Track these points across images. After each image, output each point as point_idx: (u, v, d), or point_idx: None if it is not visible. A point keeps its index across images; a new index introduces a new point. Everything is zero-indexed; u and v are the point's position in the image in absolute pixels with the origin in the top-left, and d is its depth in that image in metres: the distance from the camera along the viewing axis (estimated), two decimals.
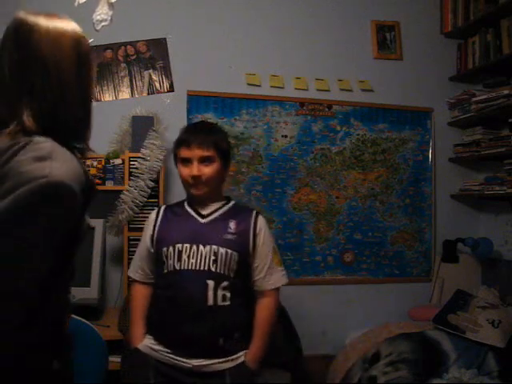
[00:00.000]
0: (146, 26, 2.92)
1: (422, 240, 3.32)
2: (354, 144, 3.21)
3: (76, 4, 1.97)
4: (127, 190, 2.55)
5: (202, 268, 1.64)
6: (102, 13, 2.04)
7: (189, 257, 1.65)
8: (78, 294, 2.37)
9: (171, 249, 1.67)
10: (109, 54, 2.89)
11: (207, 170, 1.68)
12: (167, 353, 1.66)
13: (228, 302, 1.64)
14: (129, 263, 2.56)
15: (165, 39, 2.95)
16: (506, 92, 2.88)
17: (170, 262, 1.67)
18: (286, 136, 3.10)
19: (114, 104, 2.88)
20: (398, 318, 2.99)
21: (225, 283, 1.65)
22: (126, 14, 2.71)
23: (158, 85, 2.94)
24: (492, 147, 3.04)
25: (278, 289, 1.79)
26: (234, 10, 3.07)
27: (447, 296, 2.93)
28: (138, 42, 2.93)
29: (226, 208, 1.78)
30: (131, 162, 2.60)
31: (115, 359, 2.18)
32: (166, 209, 1.82)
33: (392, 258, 3.26)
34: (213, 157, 1.69)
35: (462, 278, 3.18)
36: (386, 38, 3.29)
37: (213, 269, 1.64)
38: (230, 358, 1.66)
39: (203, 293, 1.62)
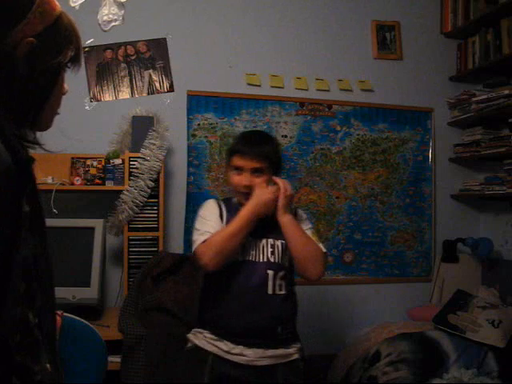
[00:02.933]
0: (146, 26, 2.92)
1: (422, 240, 3.32)
2: (354, 144, 3.21)
3: (77, 7, 1.96)
4: (127, 190, 2.55)
5: (262, 259, 1.75)
6: (110, 13, 2.03)
7: (249, 249, 1.75)
8: (78, 294, 2.38)
9: None
10: (109, 53, 2.89)
11: (257, 181, 1.77)
12: (225, 345, 1.71)
13: (284, 291, 1.76)
14: (129, 263, 2.58)
15: (165, 39, 2.95)
16: (506, 92, 2.88)
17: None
18: (285, 136, 3.10)
19: (114, 104, 2.88)
20: (398, 318, 2.99)
21: (281, 273, 1.76)
22: (126, 13, 2.71)
23: (158, 85, 2.95)
24: (492, 147, 3.04)
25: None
26: (234, 10, 3.07)
27: (447, 296, 2.93)
28: (138, 42, 2.93)
29: None
30: (131, 162, 2.60)
31: (115, 359, 2.18)
32: (223, 203, 1.88)
33: (392, 258, 3.26)
34: (264, 168, 1.78)
35: (462, 278, 3.18)
36: (386, 38, 3.29)
37: (271, 259, 1.76)
38: (283, 351, 1.74)
39: (264, 282, 1.73)
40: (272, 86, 3.09)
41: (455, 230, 3.31)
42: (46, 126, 0.89)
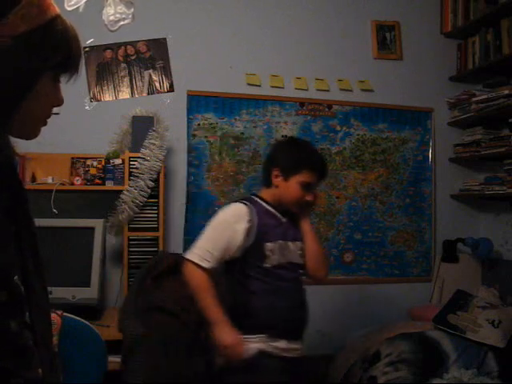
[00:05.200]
0: (146, 26, 2.91)
1: (421, 240, 3.32)
2: (354, 144, 3.21)
3: (81, 8, 1.95)
4: (127, 190, 2.55)
5: (297, 261, 1.89)
6: (117, 12, 2.01)
7: (290, 252, 1.86)
8: (78, 293, 2.38)
9: (274, 244, 1.82)
10: (109, 53, 2.89)
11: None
12: (282, 344, 1.79)
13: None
14: (129, 263, 2.58)
15: (165, 39, 2.95)
16: (506, 92, 2.88)
17: (275, 256, 1.82)
18: (286, 136, 3.10)
19: (114, 104, 2.88)
20: (398, 318, 2.99)
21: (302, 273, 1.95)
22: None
23: (158, 85, 2.95)
24: (492, 147, 3.04)
25: None
26: (234, 9, 3.07)
27: (447, 296, 2.93)
28: (138, 42, 2.93)
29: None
30: (131, 162, 2.60)
31: (115, 359, 2.17)
32: (253, 207, 1.86)
33: (392, 257, 3.26)
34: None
35: (462, 277, 3.18)
36: (386, 38, 3.29)
37: (301, 261, 1.91)
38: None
39: (300, 280, 1.92)
40: (272, 86, 3.09)
41: (455, 230, 3.31)
42: (28, 134, 0.85)
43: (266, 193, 1.91)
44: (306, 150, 1.92)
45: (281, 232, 1.86)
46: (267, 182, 1.90)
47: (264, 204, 1.88)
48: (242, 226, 1.79)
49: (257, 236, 1.79)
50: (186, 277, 1.79)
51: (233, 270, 1.83)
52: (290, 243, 1.86)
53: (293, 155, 1.88)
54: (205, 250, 1.78)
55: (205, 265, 1.76)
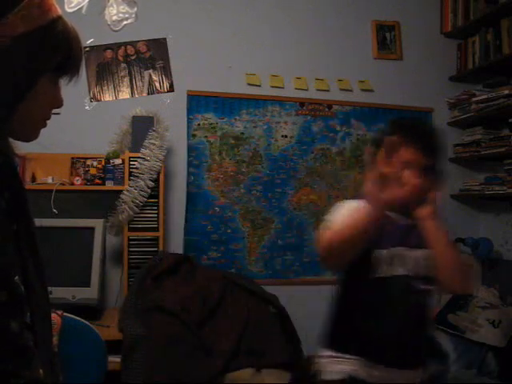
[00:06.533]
0: (146, 26, 2.91)
1: None
2: (354, 144, 3.21)
3: (84, 9, 1.95)
4: (127, 190, 2.56)
5: (419, 274, 1.51)
6: (119, 12, 2.01)
7: (407, 262, 1.50)
8: (78, 293, 2.38)
9: (385, 252, 1.48)
10: (109, 53, 2.89)
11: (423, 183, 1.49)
12: (378, 371, 1.47)
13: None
14: (129, 263, 2.58)
15: (165, 39, 2.95)
16: (506, 92, 2.88)
17: (384, 266, 1.48)
18: (285, 136, 3.10)
19: (114, 104, 2.88)
20: None
21: (433, 287, 1.54)
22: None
23: (158, 85, 2.95)
24: (492, 147, 3.04)
25: None
26: (234, 9, 3.07)
27: (447, 296, 2.93)
28: (138, 42, 2.93)
29: None
30: (131, 162, 2.60)
31: (115, 359, 2.17)
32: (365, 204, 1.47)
33: None
34: (432, 167, 1.51)
35: None
36: (386, 38, 3.29)
37: (427, 273, 1.51)
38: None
39: (422, 298, 1.53)
40: (272, 86, 3.09)
41: (455, 230, 3.30)
42: (28, 136, 0.85)
43: None
44: (391, 127, 1.55)
45: (398, 237, 1.50)
46: None
47: None
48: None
49: None
50: (321, 248, 1.50)
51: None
52: (408, 251, 1.50)
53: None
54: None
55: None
